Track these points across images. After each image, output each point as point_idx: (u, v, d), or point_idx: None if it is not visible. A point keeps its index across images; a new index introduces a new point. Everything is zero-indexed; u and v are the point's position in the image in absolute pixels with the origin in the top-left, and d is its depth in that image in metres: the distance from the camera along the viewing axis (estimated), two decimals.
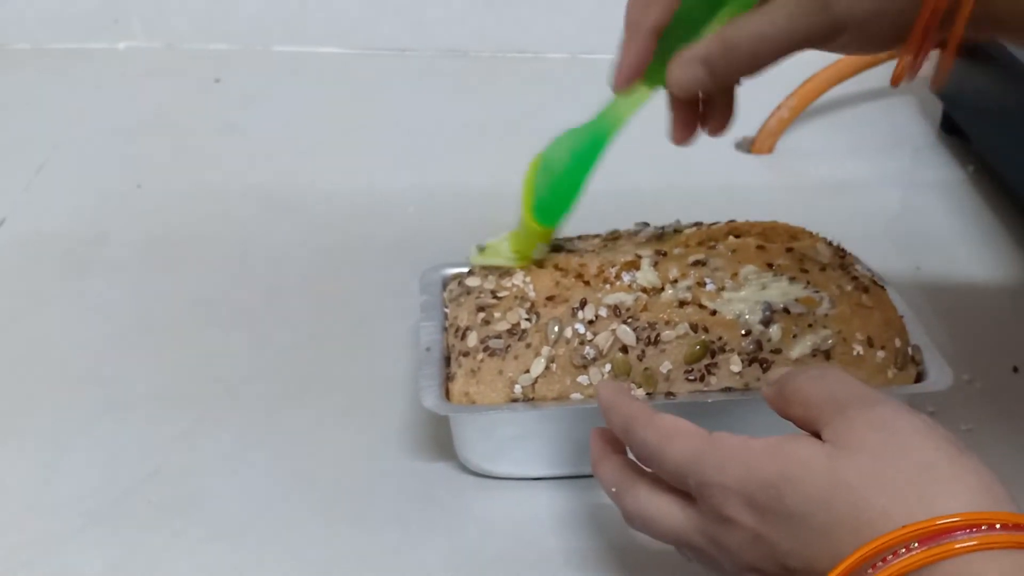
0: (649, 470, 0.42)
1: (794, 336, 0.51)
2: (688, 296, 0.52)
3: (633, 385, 0.51)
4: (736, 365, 0.51)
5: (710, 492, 0.38)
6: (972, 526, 0.33)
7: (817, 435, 0.38)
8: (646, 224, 0.59)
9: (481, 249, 0.56)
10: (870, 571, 0.34)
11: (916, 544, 0.33)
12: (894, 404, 0.38)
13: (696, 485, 0.39)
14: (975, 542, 0.32)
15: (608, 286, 0.53)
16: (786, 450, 0.37)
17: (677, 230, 0.57)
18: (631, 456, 0.44)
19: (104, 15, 0.99)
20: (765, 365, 0.51)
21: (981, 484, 0.34)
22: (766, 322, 0.51)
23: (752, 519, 0.37)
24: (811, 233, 0.57)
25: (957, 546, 0.33)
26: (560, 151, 0.53)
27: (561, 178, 0.52)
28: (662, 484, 0.41)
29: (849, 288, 0.54)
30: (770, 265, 0.53)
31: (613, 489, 0.43)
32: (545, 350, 0.51)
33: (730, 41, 0.45)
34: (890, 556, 0.33)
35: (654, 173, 0.82)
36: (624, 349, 0.51)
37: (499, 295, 0.53)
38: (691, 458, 0.39)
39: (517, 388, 0.51)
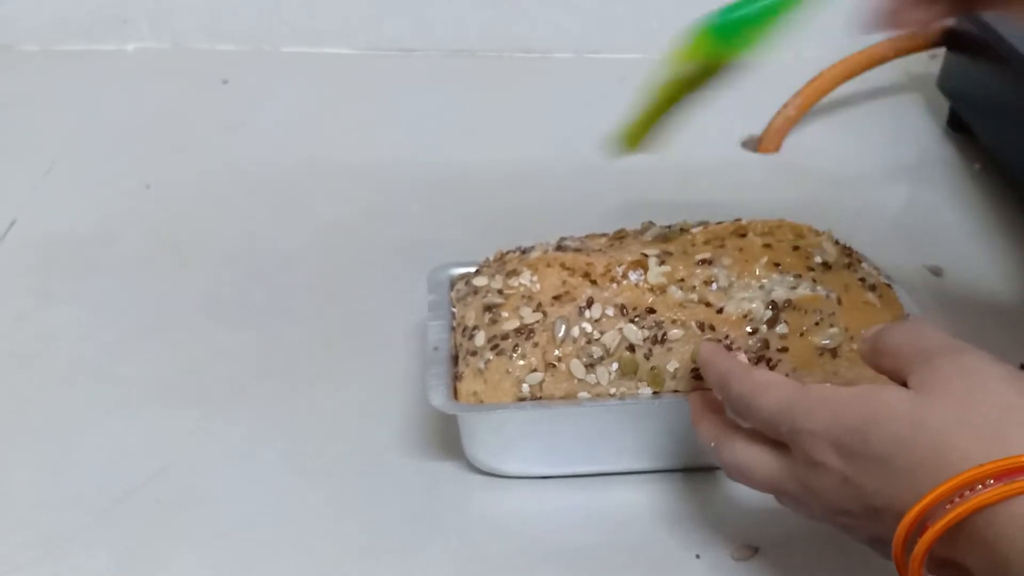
0: (746, 425, 0.44)
1: (800, 334, 0.51)
2: (694, 295, 0.52)
3: (640, 384, 0.51)
4: None
5: (801, 438, 0.40)
6: None
7: (904, 384, 0.39)
8: (652, 223, 0.59)
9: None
10: (947, 507, 0.35)
11: (992, 480, 0.34)
12: (980, 353, 0.39)
13: (788, 432, 0.41)
14: None
15: (615, 285, 0.53)
16: (872, 396, 0.39)
17: (683, 229, 0.57)
18: (729, 415, 0.46)
19: (112, 16, 1.00)
20: (771, 363, 0.51)
21: None
22: (772, 320, 0.51)
23: (840, 462, 0.39)
24: (817, 231, 0.57)
25: None
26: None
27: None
28: (758, 436, 0.43)
29: (856, 286, 0.54)
30: (777, 264, 0.54)
31: (712, 444, 0.45)
32: (552, 349, 0.51)
33: None
34: (967, 492, 0.34)
35: (660, 172, 0.82)
36: (631, 348, 0.51)
37: (506, 294, 0.53)
38: (783, 407, 0.41)
39: (524, 387, 0.51)
